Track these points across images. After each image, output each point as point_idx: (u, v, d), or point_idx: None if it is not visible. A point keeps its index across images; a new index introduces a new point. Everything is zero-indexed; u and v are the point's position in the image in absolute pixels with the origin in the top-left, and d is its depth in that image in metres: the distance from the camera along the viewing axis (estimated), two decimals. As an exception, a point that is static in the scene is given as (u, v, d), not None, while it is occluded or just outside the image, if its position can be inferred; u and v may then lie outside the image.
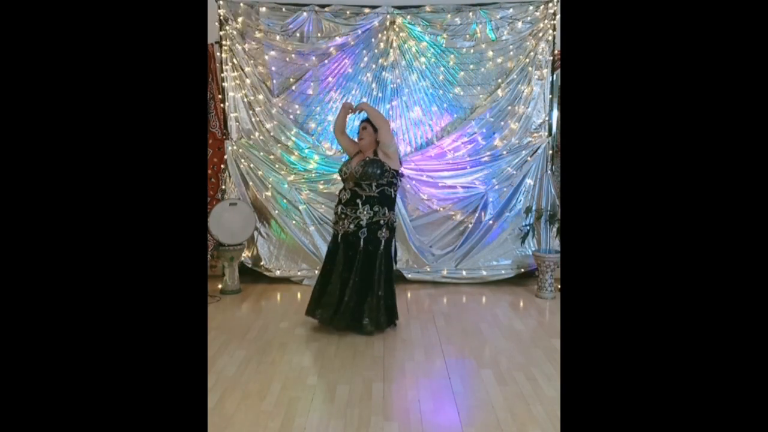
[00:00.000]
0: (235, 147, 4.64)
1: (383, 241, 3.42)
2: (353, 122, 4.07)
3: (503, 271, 4.74)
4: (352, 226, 3.39)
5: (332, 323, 3.43)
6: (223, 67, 4.55)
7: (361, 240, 3.38)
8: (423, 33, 4.53)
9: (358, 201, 3.38)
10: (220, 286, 4.48)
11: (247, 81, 4.56)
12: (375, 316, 3.41)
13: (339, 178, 3.65)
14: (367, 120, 3.53)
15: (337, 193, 3.56)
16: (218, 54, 4.54)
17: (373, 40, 4.53)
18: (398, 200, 4.62)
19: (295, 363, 3.08)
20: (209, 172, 4.65)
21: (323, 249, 4.63)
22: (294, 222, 4.71)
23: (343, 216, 3.44)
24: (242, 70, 4.55)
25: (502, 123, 4.65)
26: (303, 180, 4.66)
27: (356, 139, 3.59)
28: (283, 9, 4.49)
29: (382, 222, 3.41)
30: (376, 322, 3.42)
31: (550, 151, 4.65)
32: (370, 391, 2.72)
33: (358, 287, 3.39)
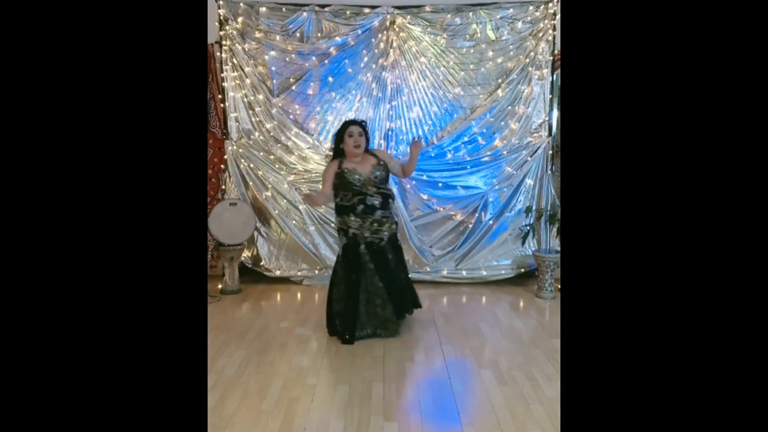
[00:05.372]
0: (235, 147, 4.65)
1: None
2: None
3: (503, 271, 4.73)
4: (394, 226, 3.50)
5: (401, 315, 3.57)
6: (223, 67, 4.54)
7: (397, 236, 3.58)
8: (423, 33, 4.52)
9: (390, 201, 3.47)
10: (220, 286, 4.48)
11: (247, 81, 4.56)
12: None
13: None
14: (359, 125, 3.43)
15: (354, 202, 3.32)
16: (218, 54, 4.53)
17: (373, 40, 4.53)
18: (398, 200, 4.66)
19: (295, 363, 3.08)
20: (209, 172, 4.65)
21: (323, 249, 4.66)
22: (294, 222, 4.71)
23: (384, 220, 3.39)
24: (242, 70, 4.54)
25: (502, 123, 4.64)
26: (303, 180, 4.66)
27: (351, 145, 3.37)
28: (283, 9, 4.48)
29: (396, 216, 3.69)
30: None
31: (550, 151, 4.65)
32: (370, 391, 2.72)
33: (407, 278, 3.65)
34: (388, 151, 4.63)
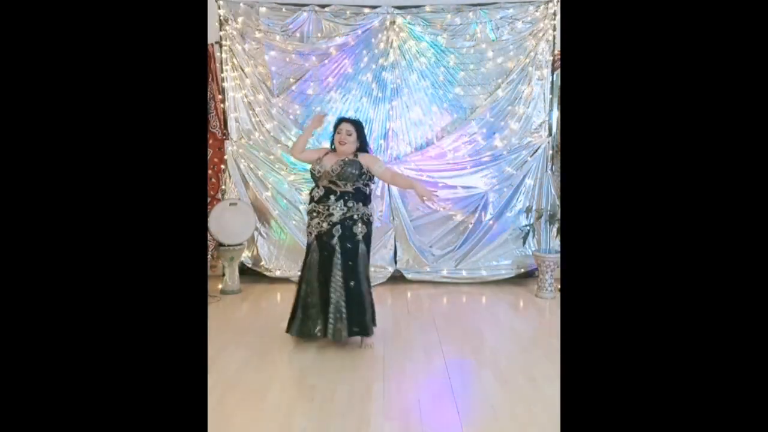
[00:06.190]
0: (235, 147, 4.65)
1: (361, 237, 3.22)
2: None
3: (503, 271, 4.74)
4: (325, 224, 3.18)
5: (330, 335, 3.17)
6: (223, 67, 4.55)
7: (336, 237, 3.17)
8: (423, 33, 4.53)
9: (332, 196, 3.18)
10: (220, 286, 4.48)
11: (247, 81, 4.56)
12: (363, 319, 3.21)
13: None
14: (352, 123, 3.29)
15: (308, 193, 3.34)
16: (218, 54, 4.54)
17: (373, 40, 4.53)
18: (398, 200, 4.66)
19: (295, 363, 3.08)
20: (209, 172, 4.65)
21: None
22: (294, 222, 4.71)
23: (315, 214, 3.22)
24: (242, 70, 4.55)
25: (502, 123, 4.65)
26: (303, 180, 4.65)
27: (336, 142, 3.27)
28: (283, 9, 4.49)
29: (356, 216, 3.19)
30: (365, 326, 3.23)
31: (550, 151, 4.65)
32: (370, 391, 2.72)
33: (348, 291, 3.18)
34: (384, 154, 4.63)
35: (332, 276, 3.18)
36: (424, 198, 3.27)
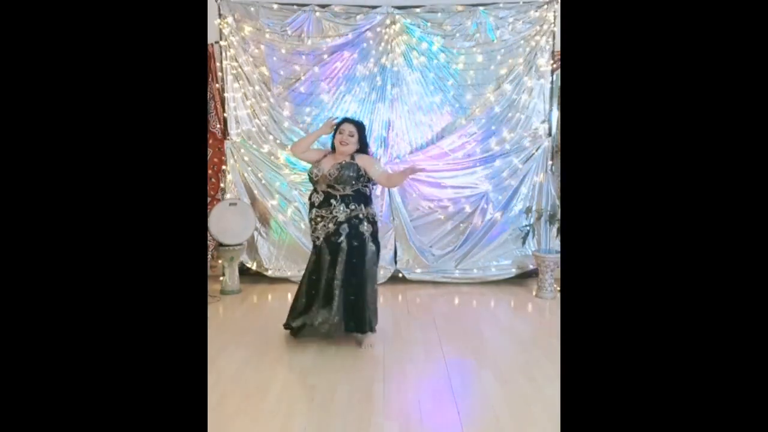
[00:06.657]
0: (235, 147, 4.65)
1: (368, 236, 3.23)
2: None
3: (503, 271, 4.74)
4: (331, 225, 3.21)
5: (329, 333, 3.23)
6: (223, 67, 4.55)
7: (344, 236, 3.20)
8: (423, 33, 4.53)
9: (333, 201, 3.20)
10: (220, 286, 4.48)
11: (247, 81, 4.56)
12: (362, 315, 3.21)
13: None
14: (355, 125, 3.30)
15: (308, 197, 3.37)
16: (218, 54, 4.54)
17: (373, 40, 4.53)
18: (398, 200, 4.66)
19: (295, 363, 3.08)
20: (209, 172, 4.65)
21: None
22: (294, 222, 4.71)
23: (319, 219, 3.24)
24: (242, 70, 4.55)
25: (502, 123, 4.65)
26: (303, 180, 4.65)
27: (337, 142, 3.28)
28: (283, 9, 4.49)
29: (361, 216, 3.22)
30: (370, 324, 3.25)
31: (550, 151, 4.65)
32: (370, 391, 2.72)
33: (347, 287, 3.21)
34: (384, 154, 4.63)
35: (336, 274, 3.21)
36: (413, 172, 3.36)
